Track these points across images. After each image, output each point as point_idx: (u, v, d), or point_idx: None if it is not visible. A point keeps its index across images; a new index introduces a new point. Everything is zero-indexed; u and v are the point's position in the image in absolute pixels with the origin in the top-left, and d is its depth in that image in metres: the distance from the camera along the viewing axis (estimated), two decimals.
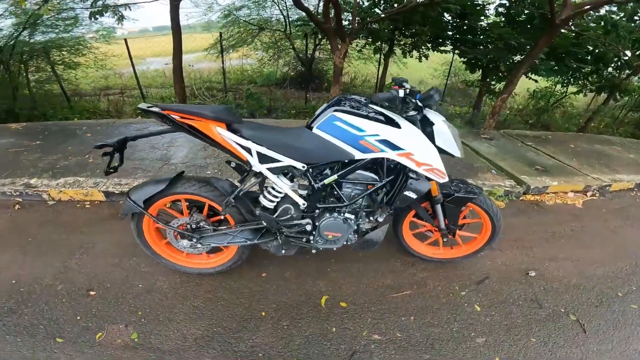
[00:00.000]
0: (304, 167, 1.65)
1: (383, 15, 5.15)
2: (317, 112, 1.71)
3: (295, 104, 7.47)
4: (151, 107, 1.54)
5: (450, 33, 6.52)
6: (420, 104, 1.65)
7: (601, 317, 2.00)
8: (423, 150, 1.65)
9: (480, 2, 6.10)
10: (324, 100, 7.87)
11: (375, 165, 1.78)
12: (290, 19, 7.11)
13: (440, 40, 6.62)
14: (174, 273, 2.09)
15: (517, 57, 6.28)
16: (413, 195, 1.73)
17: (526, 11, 5.67)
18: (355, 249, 1.97)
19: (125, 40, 6.55)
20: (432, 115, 1.71)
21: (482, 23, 6.37)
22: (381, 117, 1.64)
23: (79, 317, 1.78)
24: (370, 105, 1.67)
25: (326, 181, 1.71)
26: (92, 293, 1.94)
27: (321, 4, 7.20)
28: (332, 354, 1.65)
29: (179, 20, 5.00)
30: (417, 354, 1.69)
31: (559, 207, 3.29)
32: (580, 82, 7.20)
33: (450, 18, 6.24)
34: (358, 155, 1.64)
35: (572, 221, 3.04)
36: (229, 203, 1.72)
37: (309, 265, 2.21)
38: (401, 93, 1.60)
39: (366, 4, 5.99)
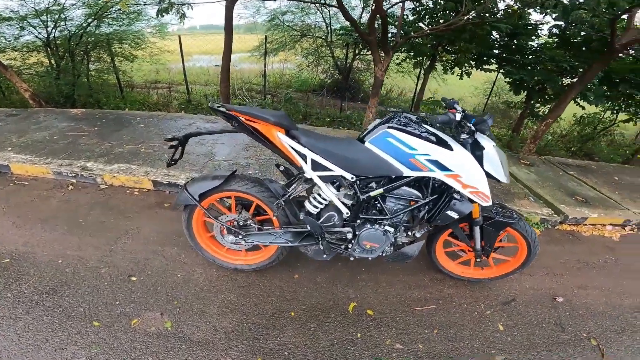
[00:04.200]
0: (352, 178, 1.73)
1: (429, 31, 5.15)
2: (370, 127, 1.79)
3: (330, 112, 7.58)
4: (220, 106, 1.68)
5: (496, 52, 6.39)
6: (473, 128, 1.69)
7: (622, 344, 1.99)
8: (471, 174, 1.68)
9: (532, 22, 5.94)
10: (358, 110, 7.94)
11: (419, 182, 1.83)
12: (332, 27, 7.26)
13: (485, 59, 6.48)
14: (211, 266, 2.21)
15: (567, 80, 6.03)
16: (455, 215, 1.78)
17: (583, 33, 5.46)
18: (388, 261, 2.02)
19: (179, 37, 6.92)
20: (483, 139, 1.73)
21: (532, 43, 6.19)
22: (433, 138, 1.69)
23: (117, 302, 1.91)
24: (423, 125, 1.73)
25: (372, 194, 1.78)
26: (133, 279, 2.08)
27: (364, 14, 7.33)
28: (355, 359, 1.71)
29: (232, 21, 5.24)
30: None
31: (595, 238, 3.17)
32: (632, 109, 6.80)
33: (498, 37, 6.12)
34: (407, 172, 1.70)
35: (606, 253, 2.94)
36: (279, 205, 1.82)
37: (340, 271, 2.28)
38: (458, 117, 1.65)
39: (410, 18, 6.00)
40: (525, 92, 6.69)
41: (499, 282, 2.35)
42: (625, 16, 4.24)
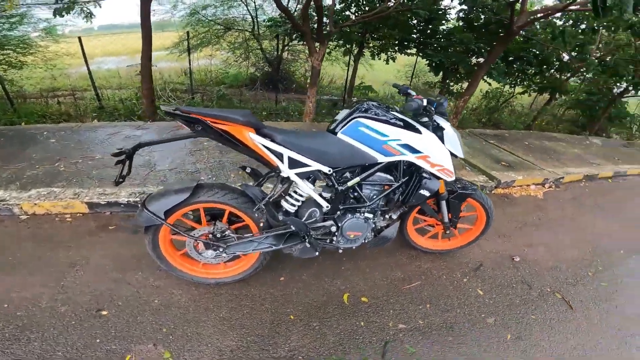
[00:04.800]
0: (330, 171, 1.73)
1: (359, 19, 5.30)
2: (339, 117, 1.79)
3: (266, 105, 7.40)
4: (176, 110, 1.50)
5: (415, 37, 6.91)
6: (435, 111, 1.82)
7: (581, 295, 2.32)
8: (438, 153, 1.81)
9: (442, 7, 6.52)
10: (294, 101, 7.89)
11: (389, 167, 1.90)
12: (258, 19, 7.02)
13: (406, 43, 6.97)
14: (189, 285, 2.03)
15: (475, 60, 6.80)
16: (427, 193, 1.91)
17: (483, 16, 6.18)
18: (371, 247, 2.08)
19: (79, 38, 6.04)
20: (441, 121, 1.88)
21: (443, 27, 6.83)
22: (401, 123, 1.77)
23: (98, 340, 1.67)
24: (390, 112, 1.80)
25: (349, 183, 1.80)
26: (103, 313, 1.82)
27: (291, 3, 7.23)
28: (367, 347, 1.75)
29: (149, 17, 4.74)
30: (441, 337, 1.86)
31: (525, 198, 3.69)
32: (525, 83, 7.99)
33: (416, 22, 6.61)
34: (381, 158, 1.76)
35: (537, 211, 3.44)
36: (260, 209, 1.73)
37: (322, 265, 2.29)
38: (424, 102, 1.74)
39: (338, 6, 6.12)
40: (441, 72, 7.38)
41: (464, 250, 2.59)
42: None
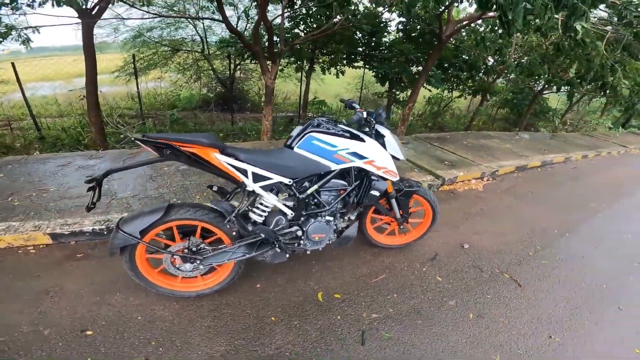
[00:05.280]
0: (290, 182, 1.96)
1: (305, 37, 5.61)
2: (294, 134, 2.04)
3: (222, 127, 7.41)
4: (144, 137, 1.65)
5: (361, 50, 7.41)
6: (374, 121, 2.13)
7: (526, 273, 2.66)
8: (381, 158, 2.12)
9: (383, 20, 7.07)
10: (250, 121, 8.01)
11: (342, 173, 2.17)
12: (208, 40, 7.09)
13: (354, 57, 7.45)
14: (169, 300, 2.10)
15: (415, 69, 7.44)
16: (377, 193, 2.21)
17: (418, 27, 6.81)
18: (335, 247, 2.31)
19: (13, 64, 5.71)
20: (381, 129, 2.19)
21: (385, 40, 7.40)
22: (347, 134, 2.05)
23: (89, 359, 1.72)
24: (338, 125, 2.06)
25: (309, 191, 2.04)
26: (89, 332, 1.86)
27: (240, 24, 7.40)
28: (346, 338, 1.95)
29: (92, 42, 4.66)
30: (411, 321, 2.10)
31: (467, 192, 4.16)
32: (460, 87, 8.87)
33: (360, 36, 7.10)
34: (334, 166, 2.03)
35: (479, 203, 3.89)
36: (231, 222, 1.89)
37: (294, 269, 2.46)
38: (365, 114, 2.03)
39: (287, 25, 6.40)
40: (387, 82, 7.98)
41: (420, 243, 2.88)
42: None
